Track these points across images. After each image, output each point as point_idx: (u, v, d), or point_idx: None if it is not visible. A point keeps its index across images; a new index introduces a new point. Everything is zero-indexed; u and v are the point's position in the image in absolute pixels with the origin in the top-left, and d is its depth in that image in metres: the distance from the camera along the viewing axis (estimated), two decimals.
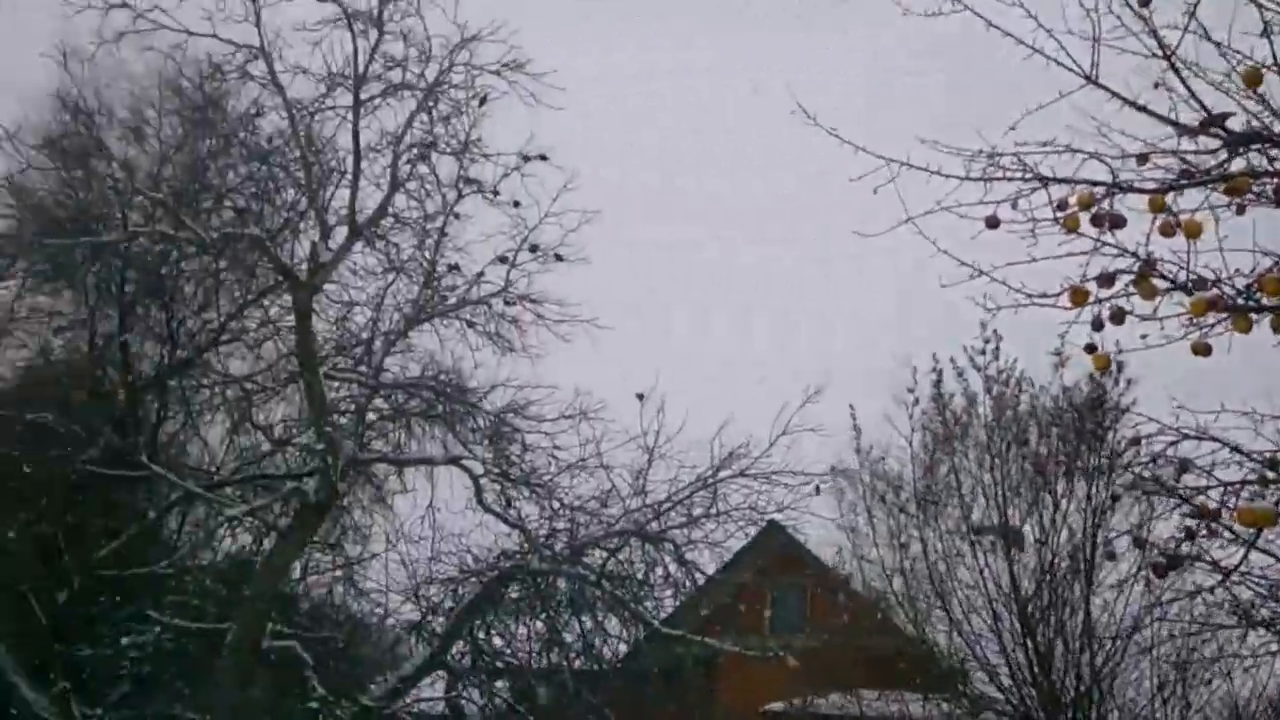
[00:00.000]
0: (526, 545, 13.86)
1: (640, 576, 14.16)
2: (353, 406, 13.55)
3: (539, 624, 14.97)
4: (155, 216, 13.21)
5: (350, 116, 12.57)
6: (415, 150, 12.99)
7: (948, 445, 14.40)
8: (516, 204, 13.54)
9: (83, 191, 16.77)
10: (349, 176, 12.83)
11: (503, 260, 13.83)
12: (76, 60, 16.07)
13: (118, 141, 16.46)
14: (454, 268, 14.10)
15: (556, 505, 13.81)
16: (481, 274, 14.06)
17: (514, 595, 14.86)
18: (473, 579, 14.71)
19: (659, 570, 14.38)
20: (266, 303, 17.13)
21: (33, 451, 16.27)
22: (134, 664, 13.83)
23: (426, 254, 14.00)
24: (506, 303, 14.03)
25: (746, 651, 13.53)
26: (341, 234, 13.00)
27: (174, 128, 15.80)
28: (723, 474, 13.85)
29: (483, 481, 13.73)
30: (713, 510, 14.16)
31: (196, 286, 16.55)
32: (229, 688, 12.57)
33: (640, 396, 13.67)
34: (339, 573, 14.44)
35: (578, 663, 14.74)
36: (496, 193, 13.54)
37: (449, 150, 12.94)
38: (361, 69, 12.40)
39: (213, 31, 12.40)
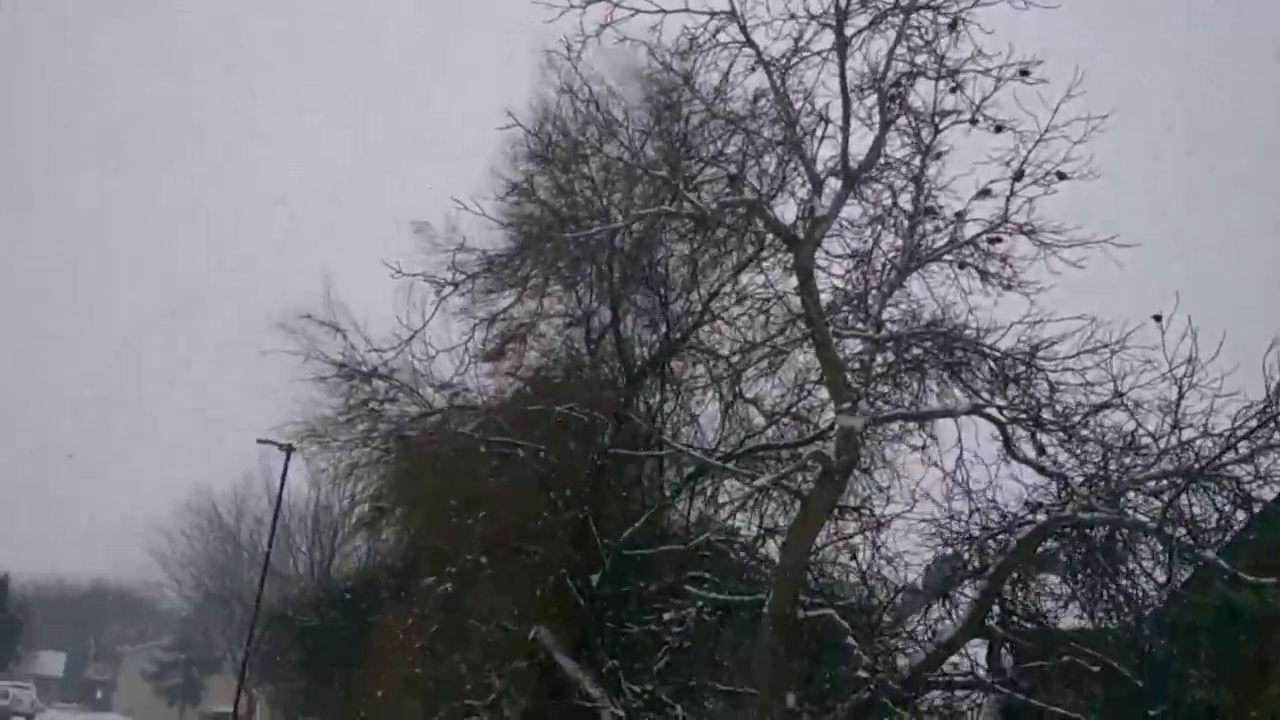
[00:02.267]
0: (1065, 494, 12.61)
1: (1202, 519, 12.42)
2: (857, 364, 13.00)
3: (1078, 580, 13.68)
4: (653, 199, 13.44)
5: (834, 58, 12.02)
6: (901, 84, 12.23)
7: None
8: (999, 129, 12.39)
9: (569, 195, 17.72)
10: (835, 124, 12.32)
11: (985, 194, 12.72)
12: (553, 68, 17.09)
13: (596, 141, 17.23)
14: (929, 211, 13.20)
15: (1091, 448, 12.43)
16: (961, 214, 13.05)
17: (1050, 550, 13.65)
18: (1004, 535, 13.70)
19: (1213, 512, 12.60)
20: (744, 278, 17.34)
21: (552, 444, 17.39)
22: (675, 638, 14.14)
23: (909, 197, 13.24)
24: (990, 240, 12.91)
25: None
26: (833, 185, 12.49)
27: (645, 117, 16.30)
28: None
29: (1010, 429, 12.69)
30: (1274, 439, 12.12)
31: (681, 267, 16.98)
32: (768, 658, 12.41)
33: (1158, 319, 11.94)
34: (865, 536, 13.96)
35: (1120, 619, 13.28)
36: (975, 121, 12.47)
37: (934, 76, 12.02)
38: (843, 4, 11.82)
39: (685, 5, 12.32)
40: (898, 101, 12.39)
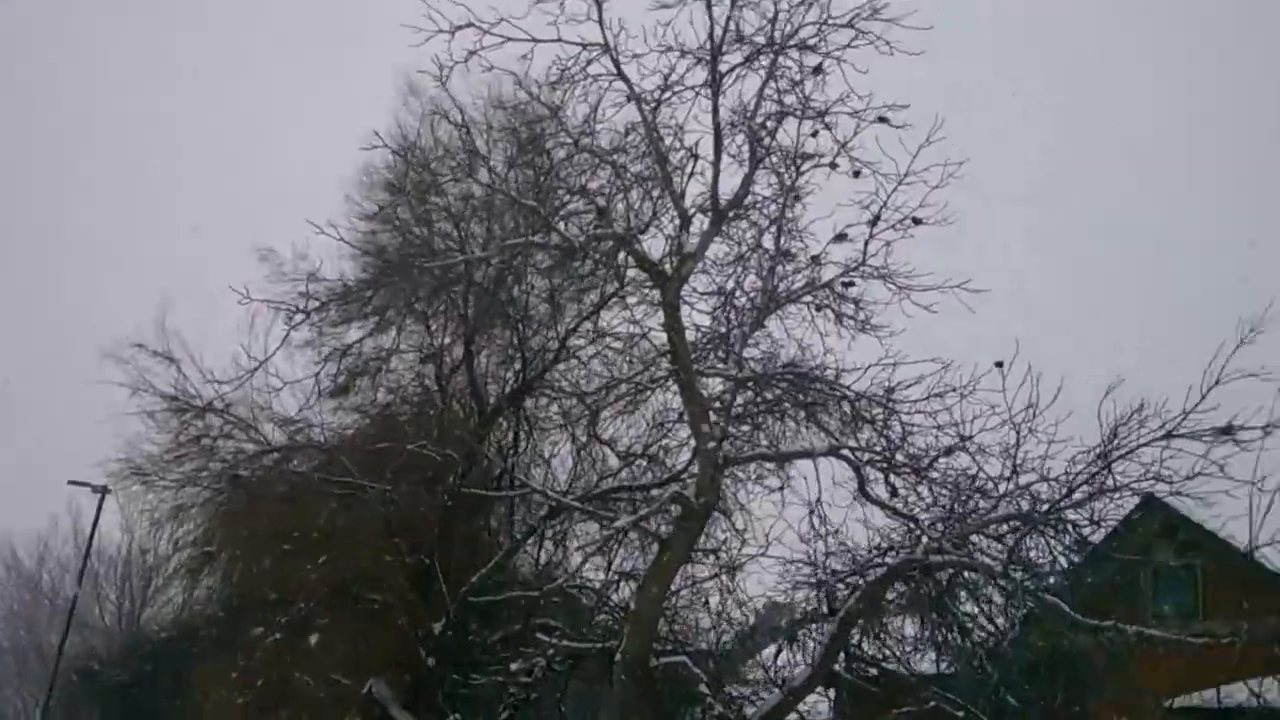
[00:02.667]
0: (915, 536, 12.71)
1: (1042, 562, 12.67)
2: (718, 404, 12.87)
3: (920, 621, 13.79)
4: (514, 232, 13.09)
5: (707, 94, 11.98)
6: (769, 123, 12.28)
7: None
8: (857, 173, 12.56)
9: (427, 225, 17.21)
10: (706, 160, 12.27)
11: (841, 237, 12.86)
12: (415, 95, 16.64)
13: (456, 172, 16.82)
14: (786, 253, 13.26)
15: (940, 490, 12.57)
16: (817, 257, 13.16)
17: (900, 593, 13.72)
18: (853, 577, 13.74)
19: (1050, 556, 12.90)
20: (606, 315, 17.12)
21: (398, 485, 16.66)
22: (521, 689, 13.57)
23: (769, 237, 13.29)
24: (844, 284, 13.04)
25: (1193, 639, 11.78)
26: (701, 222, 12.41)
27: (510, 148, 15.97)
28: (1124, 441, 12.11)
29: (865, 470, 12.74)
30: (1107, 484, 12.50)
31: (541, 304, 16.64)
32: (619, 708, 12.01)
33: (999, 365, 12.24)
34: (720, 580, 13.73)
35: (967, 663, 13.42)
36: (834, 165, 12.62)
37: (800, 116, 12.10)
38: (718, 39, 11.81)
39: (557, 35, 12.13)
40: (766, 141, 12.42)
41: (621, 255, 12.89)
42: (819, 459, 12.69)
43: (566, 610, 15.83)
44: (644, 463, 16.72)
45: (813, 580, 14.15)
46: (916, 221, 12.59)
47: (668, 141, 12.57)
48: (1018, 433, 12.30)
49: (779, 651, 13.77)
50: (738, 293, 13.06)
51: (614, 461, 17.39)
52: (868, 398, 12.71)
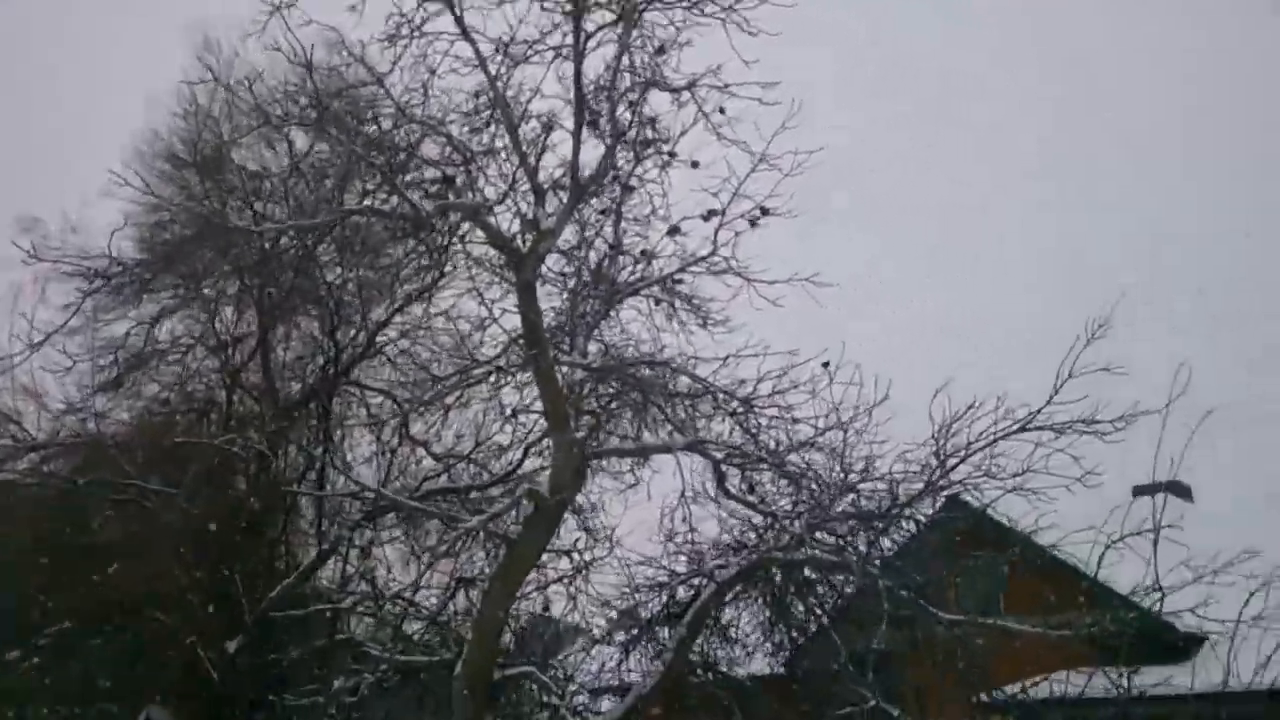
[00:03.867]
0: (771, 533, 12.27)
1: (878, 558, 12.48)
2: (574, 394, 11.98)
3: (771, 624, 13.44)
4: (324, 205, 11.71)
5: (569, 54, 11.06)
6: (635, 92, 11.48)
7: None
8: (695, 164, 11.98)
9: (223, 198, 15.49)
10: (566, 130, 11.36)
11: (674, 231, 12.28)
12: (212, 54, 14.93)
13: (255, 142, 15.22)
14: (615, 247, 12.56)
15: (789, 487, 12.18)
16: (645, 253, 12.53)
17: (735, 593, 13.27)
18: (701, 579, 13.20)
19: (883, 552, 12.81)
20: (419, 307, 15.88)
21: (185, 490, 14.87)
22: (345, 710, 12.19)
23: (609, 227, 12.54)
24: (674, 281, 12.48)
25: (1051, 632, 11.80)
26: (557, 201, 11.48)
27: (310, 120, 14.47)
28: (975, 438, 12.12)
29: (724, 467, 12.18)
30: (941, 481, 12.50)
31: (355, 297, 15.23)
32: None
33: (826, 365, 12.04)
34: (571, 583, 12.82)
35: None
36: (673, 154, 11.97)
37: (671, 88, 11.36)
38: None
39: None
40: (629, 115, 11.64)
41: (466, 229, 11.71)
42: (679, 454, 12.03)
43: (378, 623, 14.54)
44: (467, 465, 15.58)
45: (655, 583, 13.54)
46: (764, 212, 12.10)
47: (524, 109, 11.57)
48: (844, 432, 12.15)
49: (625, 657, 13.03)
50: (584, 278, 12.19)
51: (429, 464, 16.16)
52: (727, 392, 12.14)
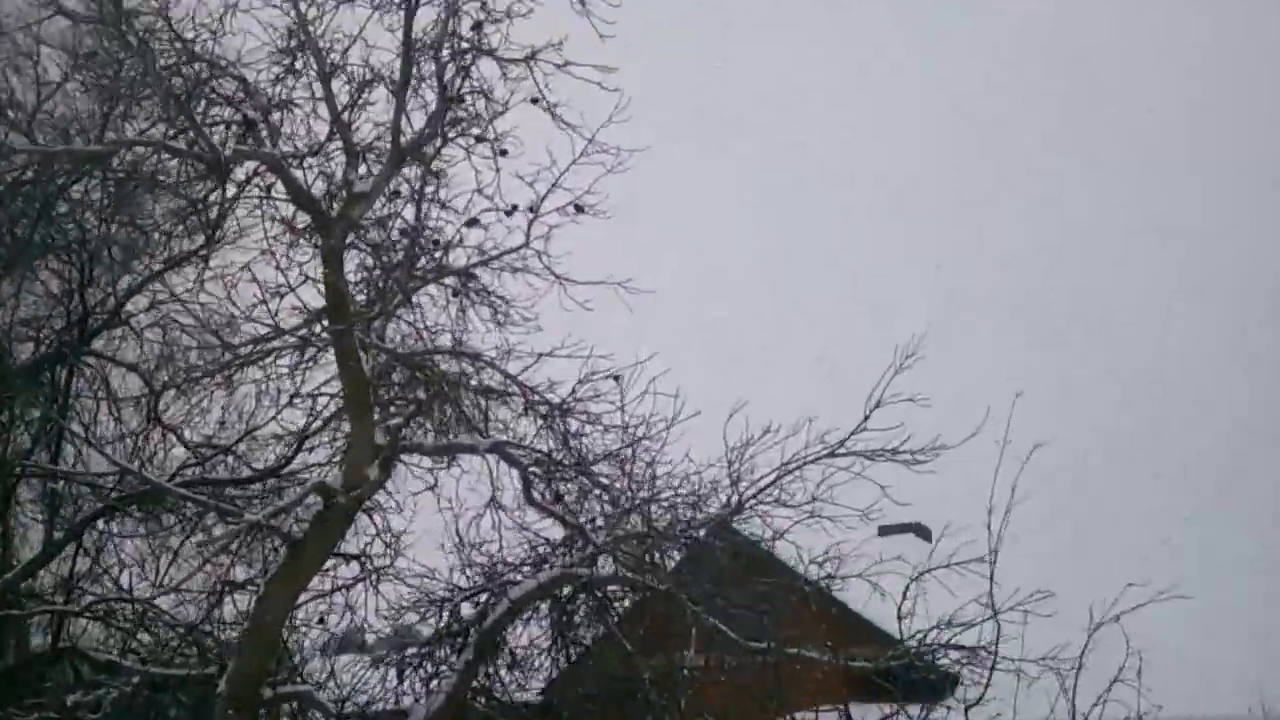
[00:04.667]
0: (579, 547, 11.47)
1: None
2: (380, 380, 10.74)
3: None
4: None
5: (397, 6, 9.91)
6: (461, 59, 10.42)
7: None
8: (503, 152, 11.07)
9: None
10: (388, 88, 10.15)
11: (472, 224, 11.35)
12: None
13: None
14: (410, 232, 11.48)
15: (620, 498, 11.45)
16: (438, 242, 11.51)
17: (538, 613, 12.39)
18: (490, 595, 12.23)
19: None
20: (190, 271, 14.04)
21: None
22: None
23: (412, 208, 11.42)
24: (467, 273, 11.52)
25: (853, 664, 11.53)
26: (369, 167, 10.26)
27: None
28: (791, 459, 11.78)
29: (530, 472, 11.26)
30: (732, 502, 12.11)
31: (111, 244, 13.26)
32: None
33: (617, 379, 11.50)
34: (354, 590, 11.48)
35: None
36: (480, 138, 10.98)
37: (505, 59, 10.35)
38: None
39: None
40: (457, 81, 10.56)
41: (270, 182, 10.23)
42: (485, 456, 11.02)
43: (122, 630, 12.68)
44: (224, 457, 13.90)
45: (438, 598, 12.44)
46: (579, 209, 11.28)
47: (337, 58, 10.27)
48: (633, 449, 11.57)
49: (399, 680, 11.84)
50: (394, 252, 11.00)
51: (180, 454, 14.35)
52: (538, 393, 11.24)
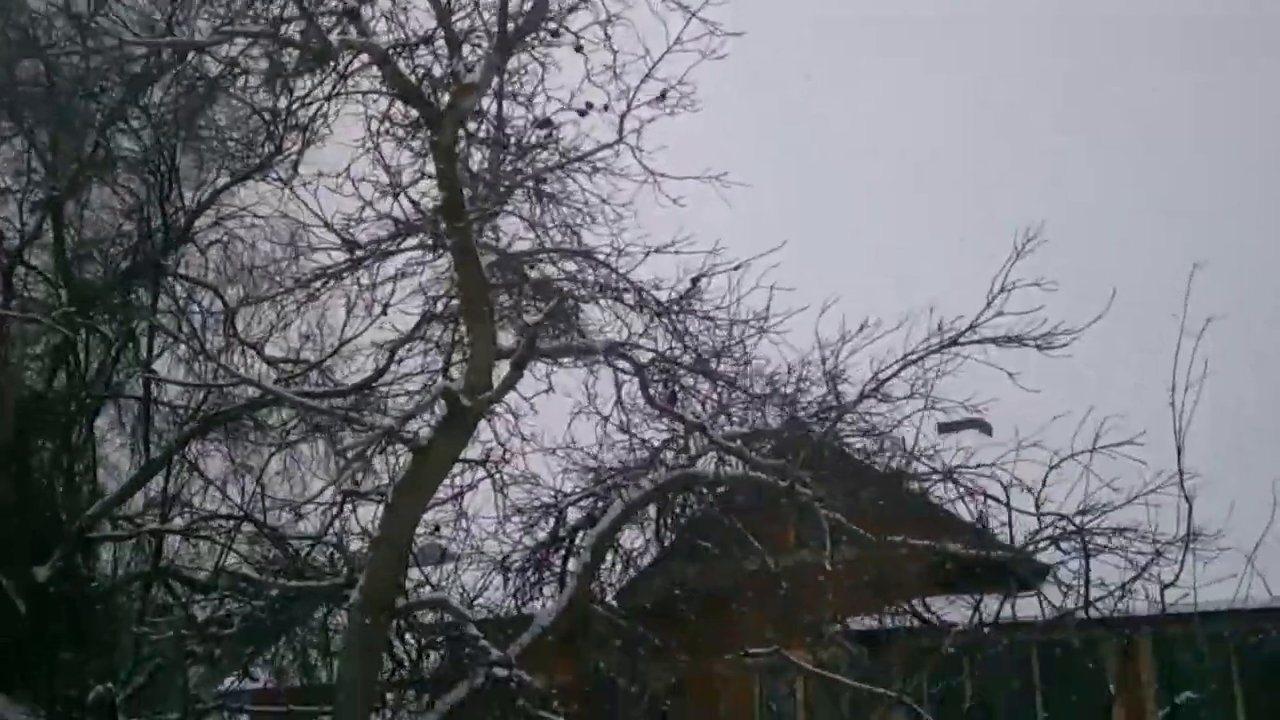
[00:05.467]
0: (701, 448, 11.21)
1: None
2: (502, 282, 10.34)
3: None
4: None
5: None
6: None
7: None
8: (579, 48, 10.47)
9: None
10: None
11: (544, 124, 10.79)
12: None
13: None
14: (491, 140, 10.92)
15: (744, 394, 11.16)
16: (520, 143, 10.98)
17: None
18: (591, 500, 12.06)
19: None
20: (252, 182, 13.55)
21: None
22: (206, 645, 10.25)
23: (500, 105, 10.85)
24: (542, 173, 11.01)
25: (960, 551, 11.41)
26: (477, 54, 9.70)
27: None
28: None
29: (648, 371, 10.94)
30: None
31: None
32: (360, 658, 9.35)
33: (695, 281, 11.05)
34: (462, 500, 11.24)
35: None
36: (557, 33, 10.43)
37: None
38: None
39: None
40: None
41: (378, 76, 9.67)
42: (604, 356, 10.69)
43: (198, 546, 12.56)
44: (307, 374, 13.52)
45: (544, 504, 12.25)
46: (662, 96, 10.68)
47: None
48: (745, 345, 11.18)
49: (523, 585, 11.71)
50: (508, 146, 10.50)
51: (261, 370, 13.97)
52: (651, 292, 10.85)
